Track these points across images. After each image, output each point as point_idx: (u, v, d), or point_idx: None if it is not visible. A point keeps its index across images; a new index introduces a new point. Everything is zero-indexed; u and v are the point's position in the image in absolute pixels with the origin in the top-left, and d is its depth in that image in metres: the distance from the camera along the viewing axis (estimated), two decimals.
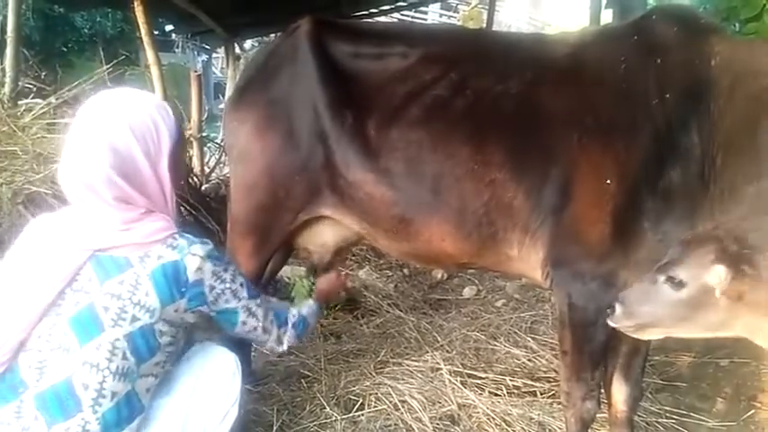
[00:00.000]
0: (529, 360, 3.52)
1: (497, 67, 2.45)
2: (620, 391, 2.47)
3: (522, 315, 4.17)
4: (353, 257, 5.21)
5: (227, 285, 1.82)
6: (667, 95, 2.16)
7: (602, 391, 2.45)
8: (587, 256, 2.24)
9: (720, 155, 2.06)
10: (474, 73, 2.44)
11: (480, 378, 3.24)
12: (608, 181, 2.17)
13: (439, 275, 5.07)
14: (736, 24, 4.66)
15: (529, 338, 3.77)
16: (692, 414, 2.94)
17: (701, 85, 2.11)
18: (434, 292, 4.84)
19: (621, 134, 2.22)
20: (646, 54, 2.23)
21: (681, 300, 1.63)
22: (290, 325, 2.10)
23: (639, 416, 2.97)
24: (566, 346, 2.36)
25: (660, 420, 2.93)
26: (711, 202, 2.08)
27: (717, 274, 1.55)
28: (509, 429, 2.82)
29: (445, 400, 3.01)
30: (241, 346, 2.48)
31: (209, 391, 1.94)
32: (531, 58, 2.44)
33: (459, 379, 3.17)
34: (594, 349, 2.31)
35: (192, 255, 1.71)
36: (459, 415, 2.92)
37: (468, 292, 4.77)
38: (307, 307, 2.26)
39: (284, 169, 2.52)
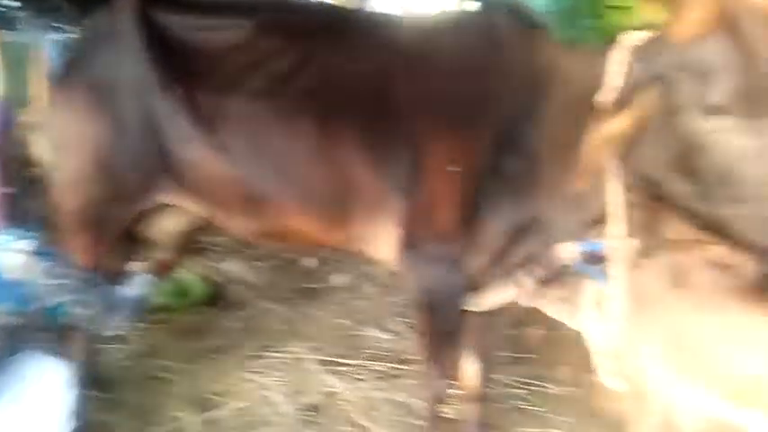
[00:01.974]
0: (396, 344, 3.59)
1: (349, 45, 2.40)
2: (470, 366, 2.58)
3: (393, 300, 4.24)
4: (217, 248, 5.00)
5: (55, 281, 1.67)
6: (507, 89, 2.24)
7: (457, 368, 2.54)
8: (436, 239, 2.29)
9: (546, 152, 2.16)
10: (323, 48, 2.37)
11: (346, 365, 3.25)
12: (455, 167, 2.23)
13: (310, 263, 5.01)
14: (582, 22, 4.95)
15: (398, 322, 3.84)
16: (540, 383, 3.14)
17: (533, 82, 2.19)
18: (305, 281, 4.77)
19: (469, 122, 2.27)
20: (489, 47, 2.30)
21: None
22: (120, 309, 1.98)
23: (492, 388, 3.13)
24: (421, 328, 2.42)
25: (512, 391, 3.11)
26: (542, 194, 2.19)
27: None
28: (374, 413, 2.86)
29: (310, 390, 2.99)
30: (85, 352, 2.29)
31: (34, 405, 1.76)
32: (386, 39, 2.43)
33: (324, 367, 3.16)
34: (449, 329, 2.39)
35: (15, 251, 1.54)
36: (323, 403, 2.91)
37: (339, 279, 4.76)
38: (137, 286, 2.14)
39: (114, 157, 2.32)
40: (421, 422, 2.61)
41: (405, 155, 2.26)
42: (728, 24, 1.40)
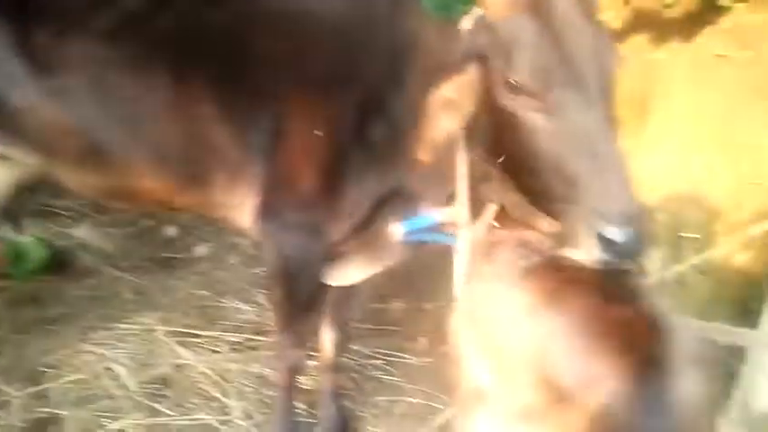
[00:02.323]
0: (257, 315, 3.47)
1: None
2: (328, 336, 2.55)
3: (256, 271, 4.07)
4: (69, 213, 4.56)
5: None
6: (373, 54, 2.18)
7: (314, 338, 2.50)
8: (296, 206, 2.21)
9: (409, 122, 2.14)
10: None
11: (201, 336, 3.09)
12: (318, 132, 2.15)
13: (171, 233, 4.72)
14: None
15: (259, 294, 3.72)
16: (398, 354, 3.20)
17: (399, 50, 2.16)
18: (164, 250, 4.46)
19: (333, 85, 2.20)
20: (357, 9, 2.23)
21: None
22: None
23: (352, 359, 3.16)
24: (276, 297, 2.33)
25: (371, 362, 3.13)
26: (405, 165, 2.18)
27: None
28: (226, 385, 2.75)
29: (159, 363, 2.81)
30: None
31: None
32: None
33: (176, 339, 2.98)
34: (304, 299, 2.32)
35: None
36: (172, 376, 2.75)
37: (201, 250, 4.52)
38: None
39: None
40: (274, 393, 2.54)
41: (265, 116, 2.14)
42: (535, 4, 1.42)
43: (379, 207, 2.24)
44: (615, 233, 1.33)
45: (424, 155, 1.65)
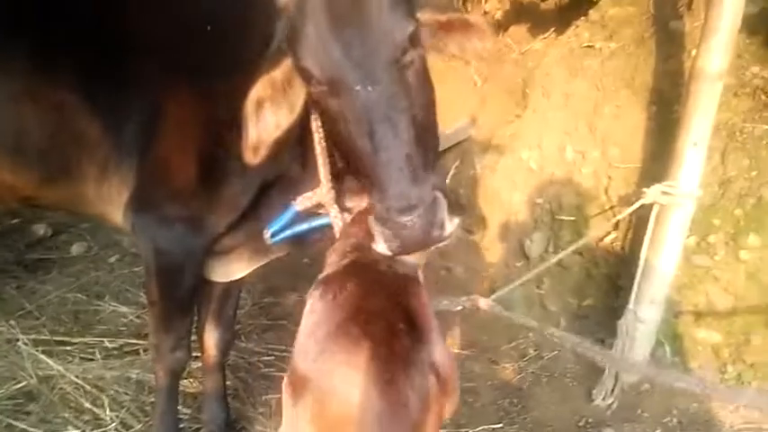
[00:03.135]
0: (137, 317, 3.26)
1: None
2: (211, 337, 2.42)
3: (137, 270, 3.84)
4: None
5: None
6: (253, 38, 2.08)
7: (195, 338, 2.37)
8: (173, 198, 2.07)
9: None
10: None
11: (72, 344, 2.86)
12: (195, 122, 2.02)
13: (41, 231, 4.33)
14: None
15: (141, 294, 3.50)
16: (290, 349, 3.09)
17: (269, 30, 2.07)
18: (33, 251, 4.11)
19: (211, 70, 2.07)
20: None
21: None
22: None
23: (243, 357, 3.05)
24: (153, 296, 2.17)
25: (262, 359, 3.04)
26: (287, 151, 2.10)
27: None
28: (101, 394, 2.55)
29: (22, 376, 2.55)
30: None
31: None
32: None
33: (42, 349, 2.72)
34: (183, 296, 2.19)
35: None
36: (38, 389, 2.51)
37: (76, 249, 4.19)
38: None
39: None
40: (155, 399, 2.39)
41: (138, 103, 1.98)
42: None
43: (264, 196, 2.15)
44: (394, 223, 1.31)
45: (249, 156, 1.56)
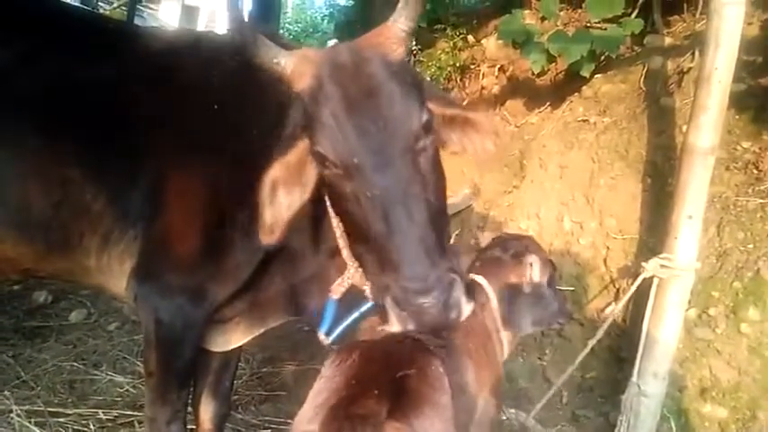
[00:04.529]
0: (133, 387, 3.22)
1: (84, 51, 2.11)
2: (207, 410, 2.39)
3: (136, 338, 3.81)
4: None
5: None
6: (257, 118, 2.15)
7: (190, 410, 2.33)
8: (176, 269, 2.09)
9: None
10: (52, 49, 2.06)
11: (66, 415, 2.80)
12: (198, 195, 2.07)
13: (41, 298, 4.33)
14: None
15: (138, 363, 3.46)
16: (288, 421, 3.04)
17: (281, 113, 2.14)
18: (32, 318, 4.10)
19: (213, 149, 2.13)
20: (238, 73, 2.20)
21: None
22: None
23: (239, 430, 2.98)
24: (151, 367, 2.16)
25: (259, 431, 2.97)
26: None
27: None
28: None
29: None
30: None
31: None
32: (133, 49, 2.19)
33: (35, 420, 2.67)
34: (182, 368, 2.17)
35: None
36: None
37: (75, 316, 4.17)
38: None
39: None
40: None
41: (142, 179, 2.04)
42: (329, 72, 1.40)
43: (265, 267, 2.17)
44: (410, 305, 1.31)
45: (266, 237, 1.58)
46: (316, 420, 1.25)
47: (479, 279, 1.83)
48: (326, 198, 1.72)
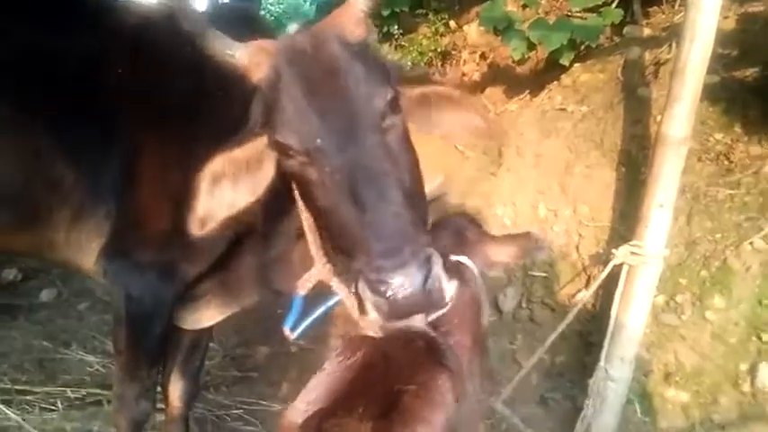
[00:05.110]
0: (103, 366, 3.19)
1: (59, 23, 2.06)
2: (176, 388, 2.38)
3: (107, 317, 3.76)
4: None
5: None
6: (231, 95, 2.13)
7: (159, 389, 2.32)
8: (147, 246, 2.07)
9: None
10: (24, 21, 2.00)
11: (33, 393, 2.77)
12: (170, 172, 2.04)
13: (11, 276, 4.25)
14: None
15: (108, 343, 3.42)
16: (260, 402, 3.06)
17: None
18: (1, 296, 4.02)
19: (189, 121, 2.11)
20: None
21: None
22: None
23: (210, 410, 2.98)
24: (121, 344, 2.14)
25: (231, 412, 2.97)
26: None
27: None
28: None
29: None
30: None
31: None
32: (107, 23, 2.14)
33: (2, 398, 2.64)
34: (151, 345, 2.15)
35: None
36: None
37: (46, 295, 4.11)
38: None
39: None
40: None
41: (114, 154, 2.01)
42: (283, 59, 1.36)
43: (236, 248, 2.16)
44: (385, 284, 1.20)
45: (195, 228, 1.51)
46: (301, 418, 1.21)
47: (461, 258, 1.71)
48: (296, 194, 1.70)
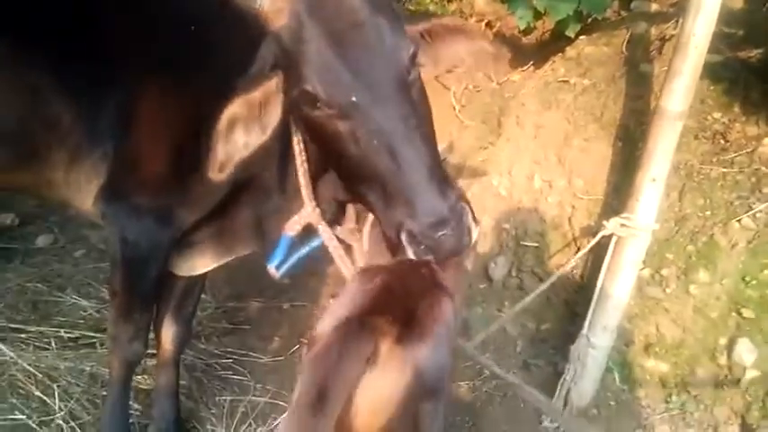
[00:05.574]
0: (97, 311, 3.24)
1: None
2: (169, 331, 2.43)
3: (102, 265, 3.80)
4: None
5: None
6: (228, 41, 2.12)
7: (152, 336, 2.37)
8: (144, 189, 2.09)
9: None
10: None
11: (28, 332, 2.83)
12: (170, 116, 2.05)
13: (8, 221, 4.27)
14: None
15: (103, 290, 3.47)
16: (250, 353, 3.13)
17: (252, 41, 2.11)
18: None
19: (189, 72, 2.11)
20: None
21: None
22: None
23: (201, 358, 3.04)
24: (116, 286, 2.18)
25: (220, 361, 3.04)
26: (259, 153, 2.12)
27: None
28: (52, 384, 2.53)
29: None
30: None
31: None
32: None
33: None
34: (146, 288, 2.20)
35: None
36: None
37: (42, 240, 4.14)
38: None
39: None
40: (106, 392, 2.37)
41: (113, 94, 2.00)
42: (309, 8, 1.36)
43: (234, 194, 2.18)
44: (430, 239, 1.34)
45: (214, 173, 1.57)
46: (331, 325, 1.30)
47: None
48: (295, 139, 1.72)
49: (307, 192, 1.77)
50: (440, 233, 1.35)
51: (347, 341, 1.21)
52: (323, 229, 1.82)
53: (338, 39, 1.35)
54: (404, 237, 1.38)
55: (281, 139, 1.94)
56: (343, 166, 1.53)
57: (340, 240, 1.90)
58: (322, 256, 1.90)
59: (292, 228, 1.86)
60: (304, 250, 1.96)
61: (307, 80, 1.37)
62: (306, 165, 1.73)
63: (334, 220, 1.96)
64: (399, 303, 1.34)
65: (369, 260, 1.86)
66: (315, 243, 1.94)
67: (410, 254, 1.38)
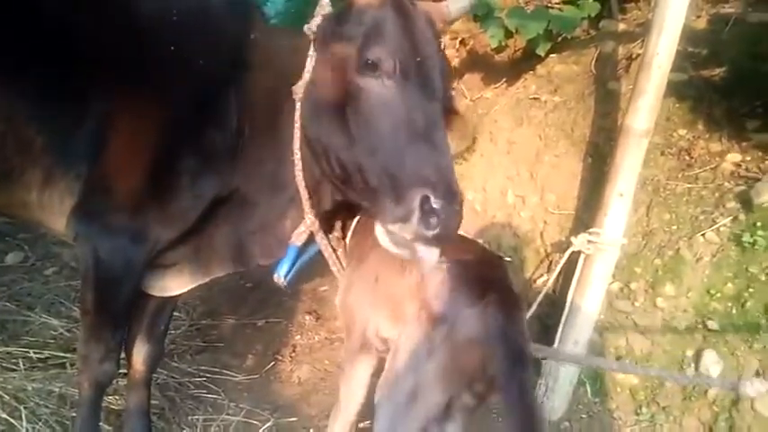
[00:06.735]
0: (68, 331, 3.19)
1: None
2: (140, 351, 2.39)
3: (74, 284, 3.76)
4: None
5: None
6: (208, 59, 2.14)
7: (123, 355, 2.33)
8: (118, 209, 2.06)
9: (248, 128, 2.14)
10: None
11: None
12: (146, 134, 2.05)
13: None
14: None
15: (74, 308, 3.42)
16: (223, 371, 3.10)
17: (237, 57, 2.14)
18: None
19: (164, 89, 2.11)
20: (196, 13, 2.18)
21: None
22: None
23: (173, 377, 3.00)
24: (87, 306, 2.14)
25: (193, 380, 3.00)
26: (242, 169, 2.14)
27: None
28: (19, 406, 2.46)
29: None
30: None
31: None
32: None
33: None
34: (118, 308, 2.16)
35: None
36: None
37: (12, 258, 4.08)
38: None
39: None
40: (76, 414, 2.33)
41: (88, 114, 2.00)
42: (398, 3, 1.68)
43: (212, 213, 2.17)
44: (440, 205, 1.49)
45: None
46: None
47: None
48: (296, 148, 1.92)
49: (306, 202, 1.94)
50: (449, 217, 1.49)
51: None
52: (321, 237, 2.01)
53: (411, 33, 1.66)
54: (424, 206, 1.50)
55: (274, 151, 2.03)
56: (361, 147, 1.69)
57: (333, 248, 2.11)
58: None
59: (299, 239, 2.02)
60: (305, 257, 2.13)
61: (376, 50, 1.63)
62: (303, 175, 1.91)
63: (325, 229, 2.10)
64: (480, 285, 1.66)
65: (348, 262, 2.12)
66: (312, 250, 2.11)
67: (423, 224, 1.51)
